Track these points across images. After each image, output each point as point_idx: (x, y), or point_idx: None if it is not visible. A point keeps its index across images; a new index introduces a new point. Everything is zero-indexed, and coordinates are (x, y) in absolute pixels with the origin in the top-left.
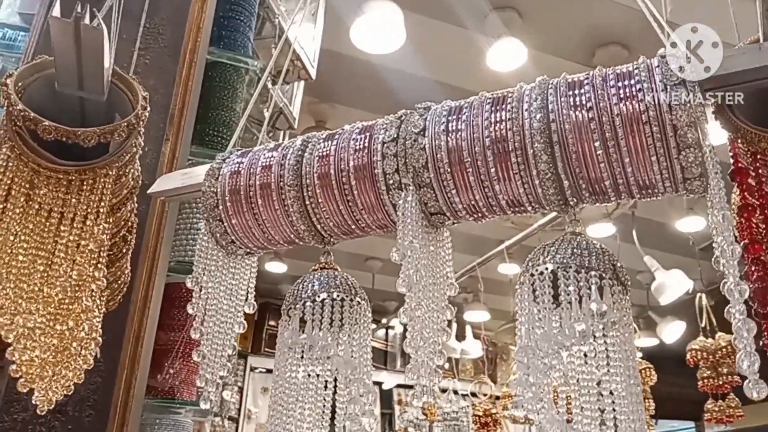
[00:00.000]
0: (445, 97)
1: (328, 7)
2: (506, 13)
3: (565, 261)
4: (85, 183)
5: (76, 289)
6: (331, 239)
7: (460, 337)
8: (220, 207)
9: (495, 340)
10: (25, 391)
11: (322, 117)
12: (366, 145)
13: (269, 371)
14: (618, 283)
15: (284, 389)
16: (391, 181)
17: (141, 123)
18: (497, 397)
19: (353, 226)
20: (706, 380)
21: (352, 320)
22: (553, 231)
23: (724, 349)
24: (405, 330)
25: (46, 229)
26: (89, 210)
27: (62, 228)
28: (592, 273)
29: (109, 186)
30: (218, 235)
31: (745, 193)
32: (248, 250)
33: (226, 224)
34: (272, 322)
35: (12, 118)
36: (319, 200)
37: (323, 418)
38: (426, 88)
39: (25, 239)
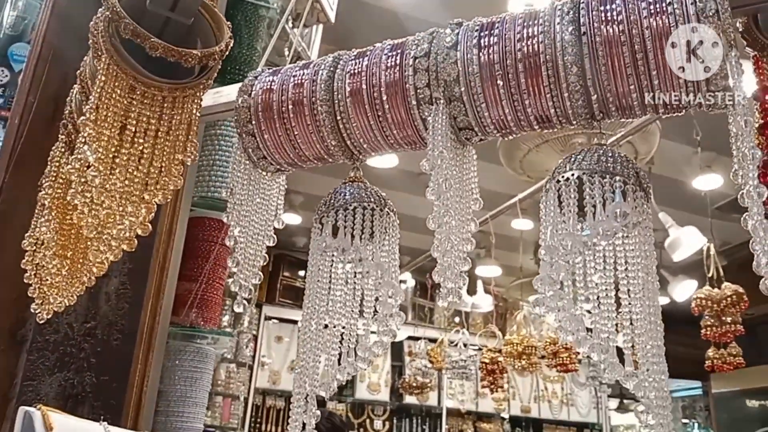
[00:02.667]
0: None
1: None
2: None
3: (591, 167)
4: (176, 101)
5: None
6: (360, 155)
7: (471, 291)
8: (253, 122)
9: (506, 295)
10: (39, 300)
11: None
12: (398, 61)
13: (283, 321)
14: (640, 189)
15: (318, 286)
16: (421, 96)
17: (228, 50)
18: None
19: (383, 142)
20: (709, 328)
21: (382, 229)
22: None
23: (729, 299)
24: (416, 283)
25: (145, 142)
26: (181, 127)
27: (158, 141)
28: (617, 178)
29: (198, 105)
30: (251, 150)
31: None
32: (278, 167)
33: (258, 139)
34: (287, 273)
35: (112, 30)
36: (351, 116)
37: (353, 309)
38: None
39: (126, 149)
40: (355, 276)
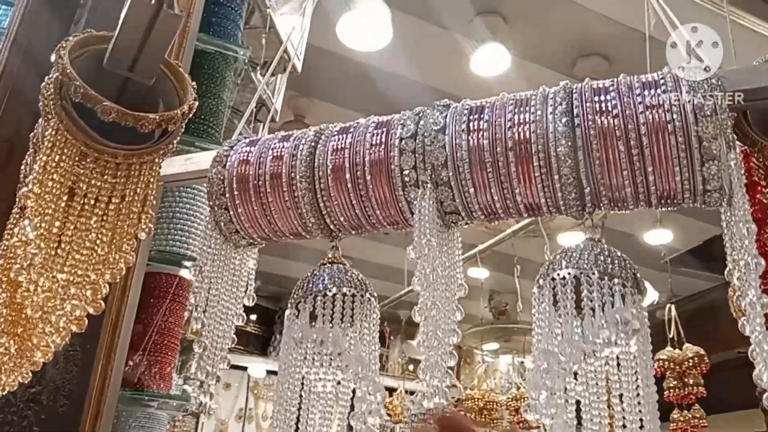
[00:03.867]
0: (428, 98)
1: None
2: (491, 18)
3: (588, 267)
4: (132, 168)
5: (118, 276)
6: (340, 233)
7: None
8: (227, 195)
9: (460, 343)
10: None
11: (301, 111)
12: (383, 140)
13: (232, 367)
14: (638, 291)
15: (290, 387)
16: (407, 178)
17: (191, 113)
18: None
19: (364, 221)
20: (672, 390)
21: (363, 316)
22: (525, 237)
23: (690, 360)
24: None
25: (93, 215)
26: (136, 197)
27: (110, 214)
28: (616, 281)
29: (157, 173)
30: (223, 224)
31: (757, 207)
32: (251, 241)
33: (231, 213)
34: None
35: (64, 93)
36: (332, 194)
37: (328, 404)
38: (408, 88)
39: (72, 222)
40: (330, 364)
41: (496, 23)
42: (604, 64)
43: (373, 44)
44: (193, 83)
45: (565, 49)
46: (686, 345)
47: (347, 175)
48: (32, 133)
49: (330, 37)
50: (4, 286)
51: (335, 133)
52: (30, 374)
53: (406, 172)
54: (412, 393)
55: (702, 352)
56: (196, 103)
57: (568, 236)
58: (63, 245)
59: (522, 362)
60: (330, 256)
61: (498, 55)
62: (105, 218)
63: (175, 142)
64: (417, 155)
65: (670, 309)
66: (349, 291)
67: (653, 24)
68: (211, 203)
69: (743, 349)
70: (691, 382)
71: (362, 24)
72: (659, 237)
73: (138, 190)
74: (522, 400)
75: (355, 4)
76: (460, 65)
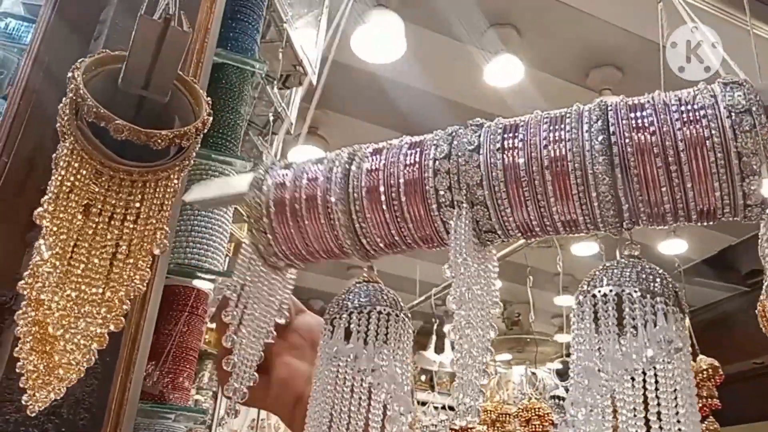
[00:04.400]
0: (441, 109)
1: (330, 15)
2: (504, 30)
3: (630, 284)
4: (147, 185)
5: (136, 293)
6: (375, 254)
7: (439, 349)
8: (265, 219)
9: None
10: (31, 391)
11: (314, 123)
12: (417, 160)
13: None
14: (680, 310)
15: (324, 397)
16: (442, 199)
17: (206, 128)
18: None
19: (399, 241)
20: None
21: (397, 335)
22: (538, 247)
23: (704, 372)
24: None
25: (108, 232)
26: (152, 213)
27: (125, 231)
28: (658, 299)
29: (172, 189)
30: (261, 246)
31: None
32: (288, 262)
33: (270, 236)
34: None
35: (78, 112)
36: (367, 215)
37: (358, 423)
38: (422, 99)
39: (87, 240)
40: (361, 384)
41: (510, 35)
42: (617, 74)
43: (387, 56)
44: (208, 98)
45: (578, 59)
46: (700, 356)
47: (382, 197)
48: (54, 154)
49: (344, 50)
50: (33, 304)
51: (368, 154)
52: (62, 390)
53: (442, 192)
54: (423, 404)
55: (716, 363)
56: (210, 118)
57: (582, 246)
58: (78, 263)
59: (534, 373)
60: (366, 275)
61: (511, 66)
62: (121, 235)
63: (191, 157)
64: (452, 175)
65: (684, 320)
66: (384, 309)
67: (667, 35)
68: (249, 227)
69: (759, 359)
70: (705, 394)
71: (376, 37)
72: (673, 247)
73: (153, 206)
74: (532, 411)
75: (369, 18)
76: (474, 76)
